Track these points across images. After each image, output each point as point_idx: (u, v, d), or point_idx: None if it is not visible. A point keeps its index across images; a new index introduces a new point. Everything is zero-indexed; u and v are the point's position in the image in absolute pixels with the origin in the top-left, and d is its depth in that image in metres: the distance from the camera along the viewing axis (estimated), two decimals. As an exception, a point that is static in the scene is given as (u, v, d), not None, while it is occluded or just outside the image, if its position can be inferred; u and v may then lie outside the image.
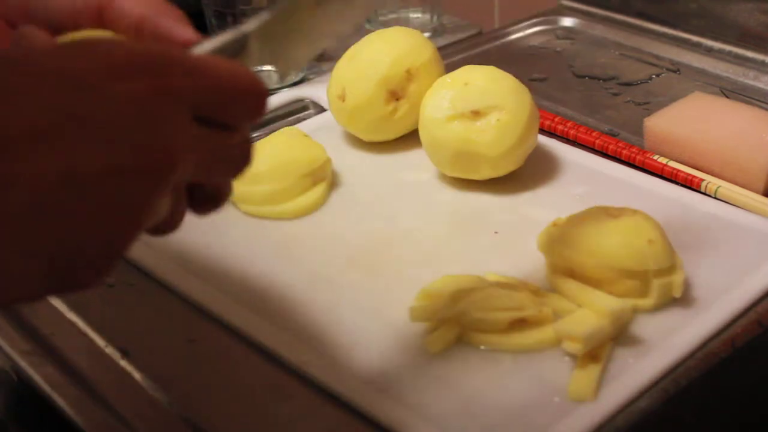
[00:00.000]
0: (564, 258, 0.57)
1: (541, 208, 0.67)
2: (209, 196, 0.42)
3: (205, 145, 0.38)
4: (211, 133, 0.39)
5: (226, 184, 0.42)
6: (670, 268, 0.56)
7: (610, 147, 0.74)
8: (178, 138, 0.37)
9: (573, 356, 0.52)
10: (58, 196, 0.33)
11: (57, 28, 0.47)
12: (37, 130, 0.33)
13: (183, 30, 0.46)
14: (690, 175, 0.69)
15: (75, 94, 0.34)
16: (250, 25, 0.44)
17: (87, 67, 0.35)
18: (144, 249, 0.63)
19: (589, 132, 0.76)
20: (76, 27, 0.47)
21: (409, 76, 0.72)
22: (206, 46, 0.42)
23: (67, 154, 0.33)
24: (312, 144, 0.70)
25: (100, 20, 0.47)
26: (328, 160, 0.70)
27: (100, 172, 0.34)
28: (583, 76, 0.88)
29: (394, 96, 0.73)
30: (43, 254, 0.33)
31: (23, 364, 0.55)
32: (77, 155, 0.33)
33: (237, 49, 0.43)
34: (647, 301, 0.56)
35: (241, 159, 0.41)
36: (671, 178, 0.70)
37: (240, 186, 0.65)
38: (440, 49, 0.79)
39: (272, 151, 0.68)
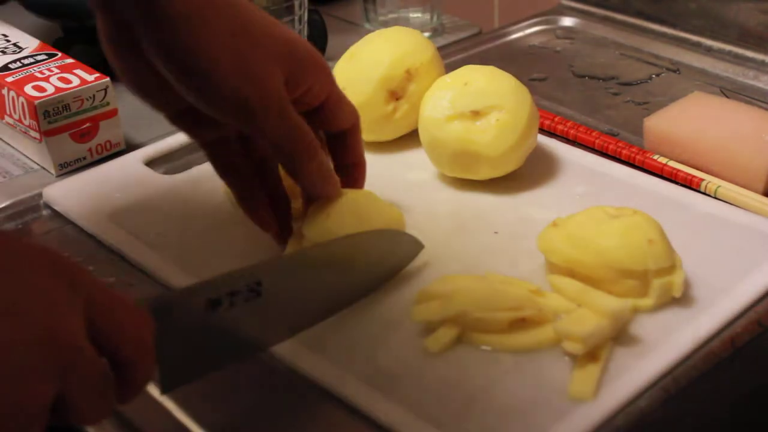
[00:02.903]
0: (564, 258, 0.57)
1: (541, 208, 0.67)
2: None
3: (88, 363, 0.38)
4: (96, 354, 0.38)
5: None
6: (670, 268, 0.56)
7: (610, 147, 0.74)
8: (77, 330, 0.37)
9: (573, 356, 0.52)
10: None
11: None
12: None
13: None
14: (690, 174, 0.69)
15: None
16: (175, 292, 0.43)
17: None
18: (144, 249, 0.63)
19: (589, 132, 0.76)
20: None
21: (409, 76, 0.72)
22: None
23: None
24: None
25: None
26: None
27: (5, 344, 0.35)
28: (583, 76, 0.88)
29: (394, 96, 0.73)
30: None
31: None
32: None
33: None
34: (647, 301, 0.56)
35: (108, 398, 0.40)
36: (671, 177, 0.70)
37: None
38: (440, 49, 0.79)
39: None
